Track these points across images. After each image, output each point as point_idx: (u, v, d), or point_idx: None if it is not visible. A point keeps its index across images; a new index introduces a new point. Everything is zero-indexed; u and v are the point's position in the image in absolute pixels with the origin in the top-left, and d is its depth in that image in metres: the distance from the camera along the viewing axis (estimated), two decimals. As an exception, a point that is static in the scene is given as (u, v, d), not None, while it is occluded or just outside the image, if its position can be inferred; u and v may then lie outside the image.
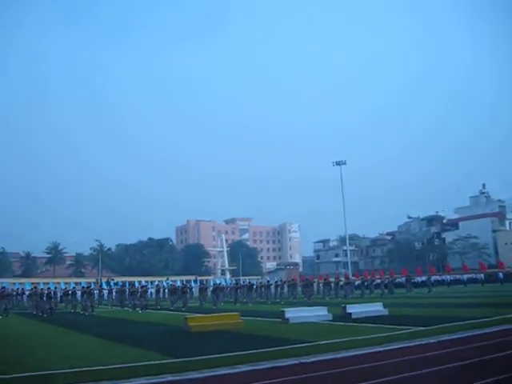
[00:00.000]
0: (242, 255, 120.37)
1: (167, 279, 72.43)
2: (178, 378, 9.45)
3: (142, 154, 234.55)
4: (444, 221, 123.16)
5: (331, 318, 20.38)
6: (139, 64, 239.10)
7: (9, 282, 58.82)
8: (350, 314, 20.95)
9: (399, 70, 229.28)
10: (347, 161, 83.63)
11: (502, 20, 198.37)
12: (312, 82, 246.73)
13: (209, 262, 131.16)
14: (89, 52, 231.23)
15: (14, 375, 10.04)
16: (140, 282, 53.01)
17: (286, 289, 44.29)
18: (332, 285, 44.99)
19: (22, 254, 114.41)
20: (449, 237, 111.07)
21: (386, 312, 21.89)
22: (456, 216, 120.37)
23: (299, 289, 46.80)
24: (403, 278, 52.46)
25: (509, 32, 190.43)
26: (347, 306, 22.14)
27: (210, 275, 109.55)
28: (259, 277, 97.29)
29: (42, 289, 37.01)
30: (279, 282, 43.99)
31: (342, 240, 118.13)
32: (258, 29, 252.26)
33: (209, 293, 42.16)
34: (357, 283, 49.44)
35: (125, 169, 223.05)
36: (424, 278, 57.91)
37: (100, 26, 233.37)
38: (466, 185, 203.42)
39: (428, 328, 15.62)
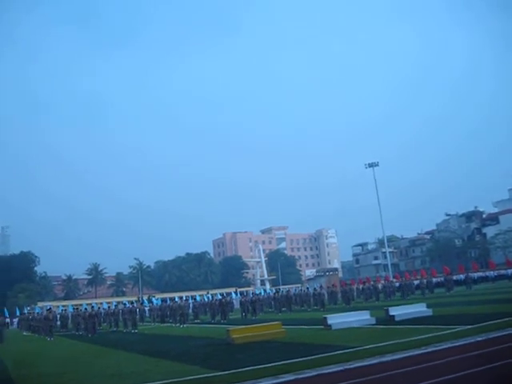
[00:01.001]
0: (281, 264, 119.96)
1: (207, 293, 72.59)
2: (222, 390, 9.40)
3: (167, 174, 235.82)
4: (484, 216, 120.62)
5: (374, 322, 20.07)
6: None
7: (52, 305, 59.65)
8: (394, 316, 20.63)
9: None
10: (379, 162, 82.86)
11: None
12: (332, 83, 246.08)
13: (248, 273, 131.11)
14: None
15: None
16: (181, 298, 53.20)
17: (325, 295, 43.89)
18: (372, 288, 44.50)
19: (64, 277, 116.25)
20: (490, 232, 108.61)
21: (430, 312, 21.47)
22: (496, 210, 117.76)
23: (339, 294, 46.35)
24: (443, 278, 51.52)
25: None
26: (390, 308, 21.81)
27: (249, 286, 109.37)
28: (299, 285, 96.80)
29: (84, 309, 37.49)
30: (318, 289, 43.57)
31: (381, 242, 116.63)
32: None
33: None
34: (397, 285, 48.68)
35: (151, 190, 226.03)
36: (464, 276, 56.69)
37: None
38: (503, 178, 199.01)
39: (475, 326, 15.24)
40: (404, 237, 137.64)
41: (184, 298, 48.78)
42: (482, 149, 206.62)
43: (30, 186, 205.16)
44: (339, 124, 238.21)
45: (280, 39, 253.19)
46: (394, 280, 54.21)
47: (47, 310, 38.78)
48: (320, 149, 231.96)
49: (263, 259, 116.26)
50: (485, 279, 63.34)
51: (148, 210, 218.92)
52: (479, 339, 12.64)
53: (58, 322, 42.77)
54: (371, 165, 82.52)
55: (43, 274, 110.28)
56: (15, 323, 62.41)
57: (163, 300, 51.99)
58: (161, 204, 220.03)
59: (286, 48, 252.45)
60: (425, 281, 47.59)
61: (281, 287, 78.58)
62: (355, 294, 44.86)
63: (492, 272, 65.67)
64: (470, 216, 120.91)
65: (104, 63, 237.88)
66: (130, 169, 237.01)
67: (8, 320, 54.48)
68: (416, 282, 49.88)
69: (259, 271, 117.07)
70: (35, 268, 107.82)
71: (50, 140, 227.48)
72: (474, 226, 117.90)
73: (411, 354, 11.53)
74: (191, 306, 45.05)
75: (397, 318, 20.28)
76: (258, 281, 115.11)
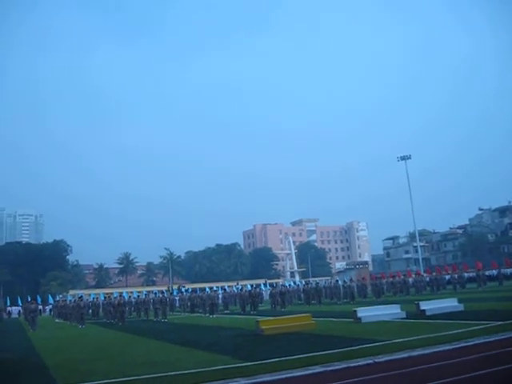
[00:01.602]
0: (311, 256, 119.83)
1: (237, 284, 72.95)
2: (251, 381, 9.51)
3: (191, 172, 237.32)
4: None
5: (405, 316, 19.95)
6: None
7: (83, 293, 60.71)
8: (424, 310, 20.47)
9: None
10: (412, 155, 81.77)
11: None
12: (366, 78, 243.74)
13: (277, 264, 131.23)
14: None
15: (93, 382, 10.35)
16: (211, 288, 53.62)
17: (355, 288, 43.69)
18: (402, 282, 44.13)
19: (96, 266, 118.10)
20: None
21: (461, 307, 21.22)
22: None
23: (369, 288, 46.09)
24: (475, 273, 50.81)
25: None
26: (420, 302, 21.64)
27: (279, 278, 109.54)
28: (329, 277, 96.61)
29: (115, 298, 38.05)
30: (348, 282, 43.42)
31: (412, 236, 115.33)
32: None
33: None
34: (428, 279, 48.14)
35: (186, 185, 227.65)
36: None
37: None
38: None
39: (506, 322, 15.05)
40: (436, 231, 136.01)
41: (214, 289, 49.12)
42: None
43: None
44: (372, 115, 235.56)
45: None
46: (425, 274, 53.54)
47: (79, 297, 39.51)
48: (351, 139, 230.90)
49: (293, 251, 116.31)
50: (518, 275, 62.27)
51: (178, 207, 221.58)
52: (511, 335, 12.49)
53: (90, 310, 43.49)
54: (403, 158, 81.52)
55: (75, 263, 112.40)
56: (47, 310, 63.76)
57: (193, 290, 52.48)
58: (189, 199, 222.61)
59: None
60: (456, 276, 47.01)
61: (310, 279, 78.50)
62: (385, 287, 44.52)
63: (525, 268, 64.50)
64: (503, 211, 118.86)
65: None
66: (157, 167, 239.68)
67: (40, 307, 55.60)
68: (447, 277, 49.30)
69: (289, 263, 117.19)
70: (67, 257, 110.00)
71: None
72: (507, 221, 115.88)
73: (441, 349, 11.46)
74: (221, 296, 45.35)
75: (428, 313, 20.11)
76: (288, 273, 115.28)
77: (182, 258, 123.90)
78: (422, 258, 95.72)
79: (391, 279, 45.85)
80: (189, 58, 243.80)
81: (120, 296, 38.00)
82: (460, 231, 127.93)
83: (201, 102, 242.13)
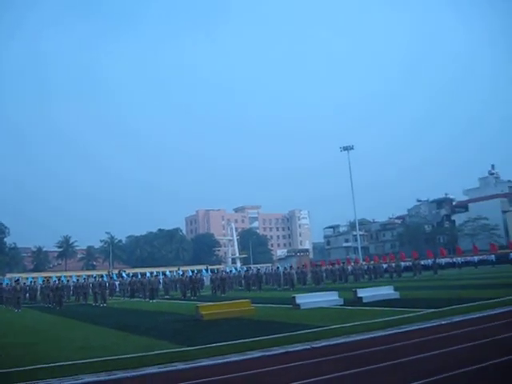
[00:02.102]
0: (253, 243, 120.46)
1: (178, 269, 72.64)
2: (189, 365, 9.51)
3: (145, 147, 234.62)
4: (453, 203, 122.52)
5: (342, 303, 20.38)
6: (147, 58, 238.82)
7: (21, 277, 59.01)
8: (361, 298, 20.97)
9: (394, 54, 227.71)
10: (354, 146, 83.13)
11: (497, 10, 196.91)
12: (310, 71, 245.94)
13: (219, 250, 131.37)
14: (93, 47, 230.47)
15: (28, 367, 10.13)
16: (151, 273, 53.18)
17: (295, 275, 44.27)
18: (341, 270, 45.04)
19: (34, 249, 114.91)
20: (459, 219, 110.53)
21: (397, 295, 21.85)
22: (465, 198, 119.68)
23: (309, 275, 46.79)
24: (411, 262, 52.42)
25: (504, 21, 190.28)
26: (358, 290, 22.14)
27: (220, 264, 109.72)
28: (270, 264, 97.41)
29: (54, 281, 37.22)
30: (288, 269, 43.96)
31: (352, 225, 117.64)
32: (262, 22, 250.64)
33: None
34: (366, 268, 49.35)
35: (129, 163, 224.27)
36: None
37: (102, 20, 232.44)
38: (474, 166, 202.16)
39: (439, 310, 15.61)
40: (375, 221, 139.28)
41: (155, 274, 48.77)
42: (466, 140, 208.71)
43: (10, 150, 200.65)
44: (324, 109, 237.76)
45: (277, 26, 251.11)
46: (364, 263, 54.88)
47: (15, 281, 38.43)
48: (300, 133, 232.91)
49: (235, 238, 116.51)
50: (452, 265, 64.67)
51: (122, 180, 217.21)
52: (443, 322, 12.94)
53: (27, 294, 42.43)
54: (346, 148, 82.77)
55: (13, 245, 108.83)
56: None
57: (134, 275, 51.90)
58: (135, 175, 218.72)
59: (278, 35, 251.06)
60: (393, 264, 48.34)
61: (252, 266, 78.95)
62: (325, 275, 45.28)
63: (459, 258, 67.05)
64: (440, 203, 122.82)
65: (108, 46, 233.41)
66: (107, 137, 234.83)
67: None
68: (385, 266, 50.66)
69: (231, 249, 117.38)
70: (5, 239, 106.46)
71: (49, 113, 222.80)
72: (443, 212, 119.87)
73: (376, 334, 11.77)
74: (162, 281, 45.08)
75: (364, 300, 20.61)
76: (230, 259, 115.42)
77: (124, 242, 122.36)
78: (362, 247, 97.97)
79: (330, 267, 46.68)
80: (177, 46, 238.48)
81: (59, 280, 37.24)
82: (398, 221, 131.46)
83: (172, 86, 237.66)
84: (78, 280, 43.80)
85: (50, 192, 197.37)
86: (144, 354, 10.96)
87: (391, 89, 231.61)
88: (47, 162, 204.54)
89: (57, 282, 35.97)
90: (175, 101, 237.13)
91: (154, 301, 33.83)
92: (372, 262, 50.71)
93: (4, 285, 43.01)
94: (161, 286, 43.41)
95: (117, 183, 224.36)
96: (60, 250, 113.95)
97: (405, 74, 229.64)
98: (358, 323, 13.78)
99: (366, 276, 45.75)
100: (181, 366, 9.51)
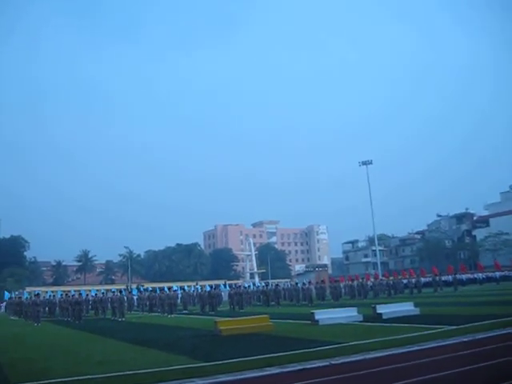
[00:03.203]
0: (271, 258, 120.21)
1: (196, 284, 72.64)
2: (207, 381, 9.46)
3: (159, 166, 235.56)
4: (474, 218, 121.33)
5: (361, 319, 20.18)
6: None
7: (40, 291, 59.44)
8: (381, 314, 20.72)
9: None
10: (373, 160, 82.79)
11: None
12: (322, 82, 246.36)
13: (237, 265, 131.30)
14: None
15: (46, 381, 10.16)
16: (170, 288, 53.22)
17: (314, 291, 44.02)
18: (360, 286, 44.68)
19: (53, 263, 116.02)
20: (480, 234, 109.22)
21: (417, 311, 21.59)
22: (486, 212, 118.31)
23: (328, 291, 46.51)
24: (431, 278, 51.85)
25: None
26: (377, 306, 21.90)
27: (238, 279, 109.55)
28: (288, 279, 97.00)
29: (73, 296, 37.44)
30: (307, 284, 43.72)
31: (371, 240, 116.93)
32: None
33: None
34: (386, 283, 48.93)
35: (147, 182, 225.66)
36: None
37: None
38: (496, 181, 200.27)
39: (461, 326, 15.37)
40: (395, 236, 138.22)
41: (174, 289, 48.81)
42: (479, 151, 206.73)
43: (25, 172, 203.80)
44: (336, 122, 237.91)
45: (279, 37, 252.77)
46: (384, 278, 54.37)
47: (35, 295, 38.70)
48: (316, 146, 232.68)
49: (253, 252, 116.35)
50: (473, 281, 63.77)
51: (140, 201, 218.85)
52: (465, 340, 12.75)
53: (46, 308, 42.69)
54: (365, 163, 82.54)
55: (33, 259, 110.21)
56: (2, 307, 62.25)
57: (153, 289, 52.01)
58: (152, 195, 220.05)
59: (284, 45, 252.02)
60: (413, 280, 47.83)
61: (270, 281, 78.72)
62: (344, 290, 44.98)
63: (480, 274, 66.06)
64: (460, 218, 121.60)
65: (106, 55, 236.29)
66: (123, 159, 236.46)
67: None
68: (404, 281, 50.16)
69: (249, 264, 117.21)
70: (25, 253, 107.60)
71: (49, 129, 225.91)
72: (464, 227, 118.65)
73: (396, 351, 11.62)
74: (180, 296, 45.07)
75: (384, 316, 20.36)
76: (248, 274, 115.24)
77: (142, 256, 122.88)
78: (381, 262, 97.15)
79: (350, 282, 46.39)
80: (175, 57, 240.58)
81: (79, 294, 37.47)
82: (418, 236, 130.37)
83: (176, 100, 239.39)
84: (96, 294, 43.97)
85: (68, 211, 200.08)
86: (162, 368, 10.94)
87: (403, 96, 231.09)
88: (63, 185, 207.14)
89: (76, 295, 36.15)
90: (184, 118, 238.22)
91: (173, 315, 33.82)
92: (391, 278, 50.16)
93: (24, 298, 43.36)
94: (179, 301, 43.39)
95: (135, 202, 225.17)
96: (79, 264, 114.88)
97: (414, 81, 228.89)
98: (378, 340, 13.61)
99: (386, 292, 45.32)
100: (199, 381, 9.47)
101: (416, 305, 22.92)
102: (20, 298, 47.43)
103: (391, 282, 46.56)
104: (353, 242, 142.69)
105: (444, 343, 12.44)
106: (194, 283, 75.57)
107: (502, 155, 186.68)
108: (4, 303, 62.53)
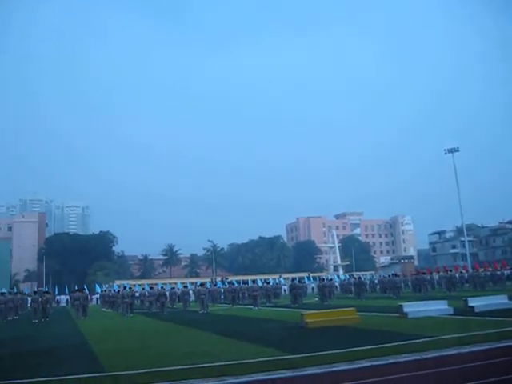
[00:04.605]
0: (355, 250, 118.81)
1: (280, 276, 73.00)
2: (297, 373, 9.45)
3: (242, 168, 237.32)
4: None
5: (452, 312, 19.53)
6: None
7: (129, 284, 61.65)
8: (473, 307, 19.95)
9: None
10: (460, 148, 79.53)
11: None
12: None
13: (321, 258, 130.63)
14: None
15: (138, 371, 10.50)
16: (254, 281, 53.74)
17: (400, 283, 42.92)
18: (449, 277, 43.08)
19: (140, 257, 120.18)
20: None
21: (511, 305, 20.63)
22: None
23: (415, 282, 45.19)
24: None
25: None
26: (469, 298, 21.11)
27: (322, 271, 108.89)
28: (373, 272, 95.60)
29: (160, 288, 38.50)
30: (392, 277, 42.71)
31: (459, 231, 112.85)
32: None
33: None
34: (483, 275, 46.75)
35: (235, 182, 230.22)
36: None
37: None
38: None
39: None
40: (484, 225, 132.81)
41: (262, 281, 49.29)
42: None
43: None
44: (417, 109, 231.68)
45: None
46: (482, 270, 52.11)
47: (129, 288, 40.19)
48: (396, 135, 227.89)
49: (337, 245, 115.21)
50: None
51: (225, 201, 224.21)
52: None
53: (136, 300, 44.16)
54: (451, 150, 79.50)
55: (121, 254, 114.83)
56: (94, 299, 65.10)
57: (237, 282, 52.70)
58: (232, 193, 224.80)
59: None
60: (505, 272, 45.75)
61: (354, 273, 77.79)
62: (434, 282, 43.54)
63: None
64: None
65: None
66: (213, 164, 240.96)
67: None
68: (506, 273, 48.04)
69: (332, 257, 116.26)
70: (113, 247, 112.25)
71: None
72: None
73: (490, 346, 11.14)
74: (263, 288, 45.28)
75: (476, 310, 19.59)
76: (331, 266, 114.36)
77: (225, 250, 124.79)
78: (470, 253, 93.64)
79: (437, 274, 44.94)
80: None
81: (162, 287, 38.58)
82: (510, 226, 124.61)
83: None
84: (184, 286, 45.11)
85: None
86: (251, 360, 11.04)
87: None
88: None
89: (161, 288, 37.21)
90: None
91: (257, 308, 34.06)
92: (490, 269, 47.91)
93: (114, 291, 45.10)
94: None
95: (222, 202, 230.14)
96: (165, 257, 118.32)
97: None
98: (470, 334, 13.11)
99: (484, 284, 42.56)
100: (288, 373, 9.47)
101: (510, 298, 21.91)
102: (110, 290, 49.37)
103: (489, 274, 44.23)
104: (440, 233, 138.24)
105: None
106: (278, 276, 75.91)
107: None
108: (96, 295, 65.37)
